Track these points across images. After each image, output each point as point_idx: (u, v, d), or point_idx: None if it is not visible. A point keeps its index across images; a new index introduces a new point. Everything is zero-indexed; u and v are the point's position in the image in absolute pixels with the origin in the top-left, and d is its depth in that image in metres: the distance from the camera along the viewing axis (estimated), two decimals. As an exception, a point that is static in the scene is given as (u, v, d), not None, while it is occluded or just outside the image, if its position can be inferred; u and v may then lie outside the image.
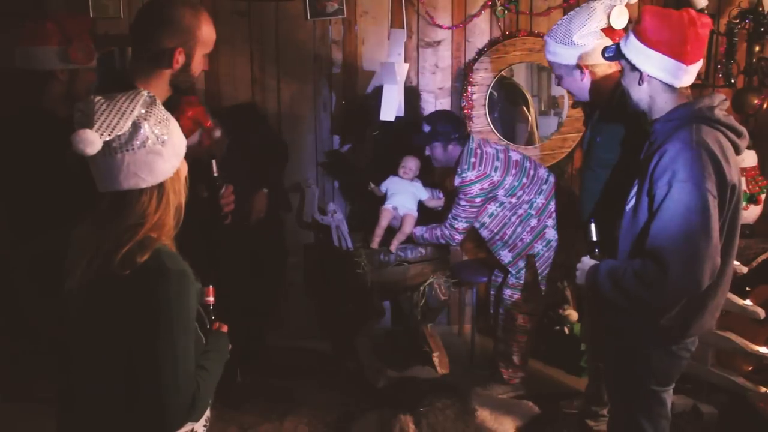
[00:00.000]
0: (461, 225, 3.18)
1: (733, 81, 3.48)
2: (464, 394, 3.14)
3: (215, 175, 2.17)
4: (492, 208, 3.17)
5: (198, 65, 2.02)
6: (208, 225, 2.25)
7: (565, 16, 2.53)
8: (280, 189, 3.66)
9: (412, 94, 3.76)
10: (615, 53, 2.04)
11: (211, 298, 1.69)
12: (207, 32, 2.00)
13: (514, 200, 3.15)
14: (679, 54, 1.89)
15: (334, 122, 3.84)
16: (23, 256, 2.14)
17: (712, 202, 1.83)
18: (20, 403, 3.12)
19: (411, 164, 3.41)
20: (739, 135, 1.97)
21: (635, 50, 1.95)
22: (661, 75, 1.93)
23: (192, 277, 1.45)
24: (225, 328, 1.71)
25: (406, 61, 3.49)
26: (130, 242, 1.39)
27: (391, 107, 3.31)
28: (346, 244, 3.46)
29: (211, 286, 1.70)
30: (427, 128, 3.20)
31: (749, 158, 3.40)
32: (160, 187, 1.45)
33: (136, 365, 1.39)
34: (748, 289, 3.28)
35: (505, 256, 3.23)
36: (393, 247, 3.34)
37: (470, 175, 3.10)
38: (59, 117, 2.26)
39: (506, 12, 3.77)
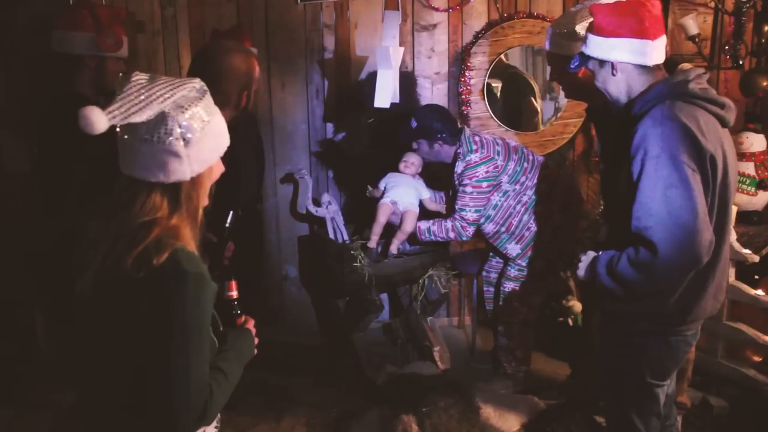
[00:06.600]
0: (471, 215, 3.00)
1: (740, 62, 3.35)
2: (467, 390, 3.03)
3: (227, 225, 2.10)
4: (496, 198, 3.03)
5: (252, 103, 2.35)
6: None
7: (571, 8, 2.41)
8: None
9: (407, 80, 3.62)
10: (580, 60, 2.00)
11: (234, 293, 1.59)
12: (258, 72, 2.33)
13: (518, 187, 3.02)
14: (641, 32, 1.87)
15: (328, 110, 3.71)
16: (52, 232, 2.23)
17: (690, 174, 1.76)
18: (11, 408, 3.03)
19: (413, 159, 3.23)
20: (721, 106, 1.90)
21: (598, 46, 1.93)
22: (631, 57, 1.90)
23: (209, 279, 1.34)
24: (251, 323, 1.60)
25: (401, 45, 3.35)
26: (145, 241, 1.28)
27: (386, 93, 3.18)
28: (342, 236, 3.35)
29: (233, 280, 1.60)
30: (413, 124, 3.06)
31: (758, 143, 3.30)
32: (174, 188, 1.32)
33: (147, 372, 1.30)
34: (756, 277, 3.20)
35: (513, 249, 3.09)
36: (393, 249, 3.18)
37: (474, 157, 2.97)
38: (91, 101, 2.31)
39: (504, -7, 3.64)
